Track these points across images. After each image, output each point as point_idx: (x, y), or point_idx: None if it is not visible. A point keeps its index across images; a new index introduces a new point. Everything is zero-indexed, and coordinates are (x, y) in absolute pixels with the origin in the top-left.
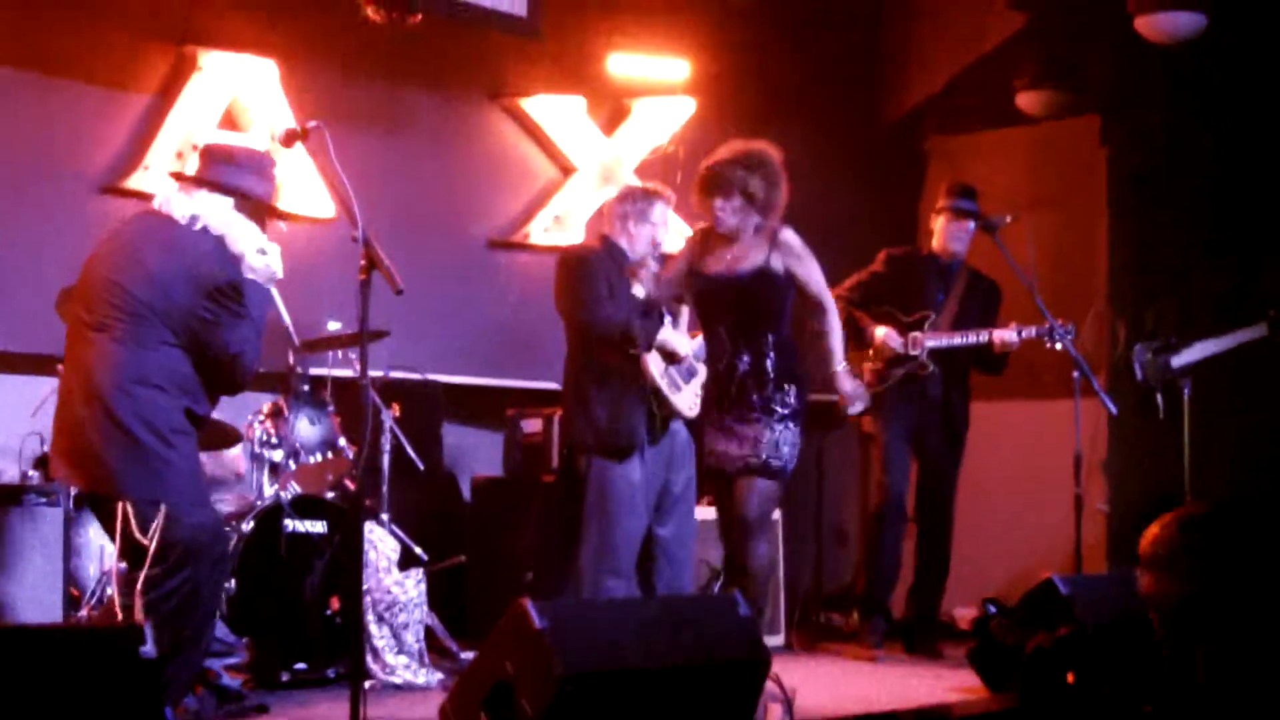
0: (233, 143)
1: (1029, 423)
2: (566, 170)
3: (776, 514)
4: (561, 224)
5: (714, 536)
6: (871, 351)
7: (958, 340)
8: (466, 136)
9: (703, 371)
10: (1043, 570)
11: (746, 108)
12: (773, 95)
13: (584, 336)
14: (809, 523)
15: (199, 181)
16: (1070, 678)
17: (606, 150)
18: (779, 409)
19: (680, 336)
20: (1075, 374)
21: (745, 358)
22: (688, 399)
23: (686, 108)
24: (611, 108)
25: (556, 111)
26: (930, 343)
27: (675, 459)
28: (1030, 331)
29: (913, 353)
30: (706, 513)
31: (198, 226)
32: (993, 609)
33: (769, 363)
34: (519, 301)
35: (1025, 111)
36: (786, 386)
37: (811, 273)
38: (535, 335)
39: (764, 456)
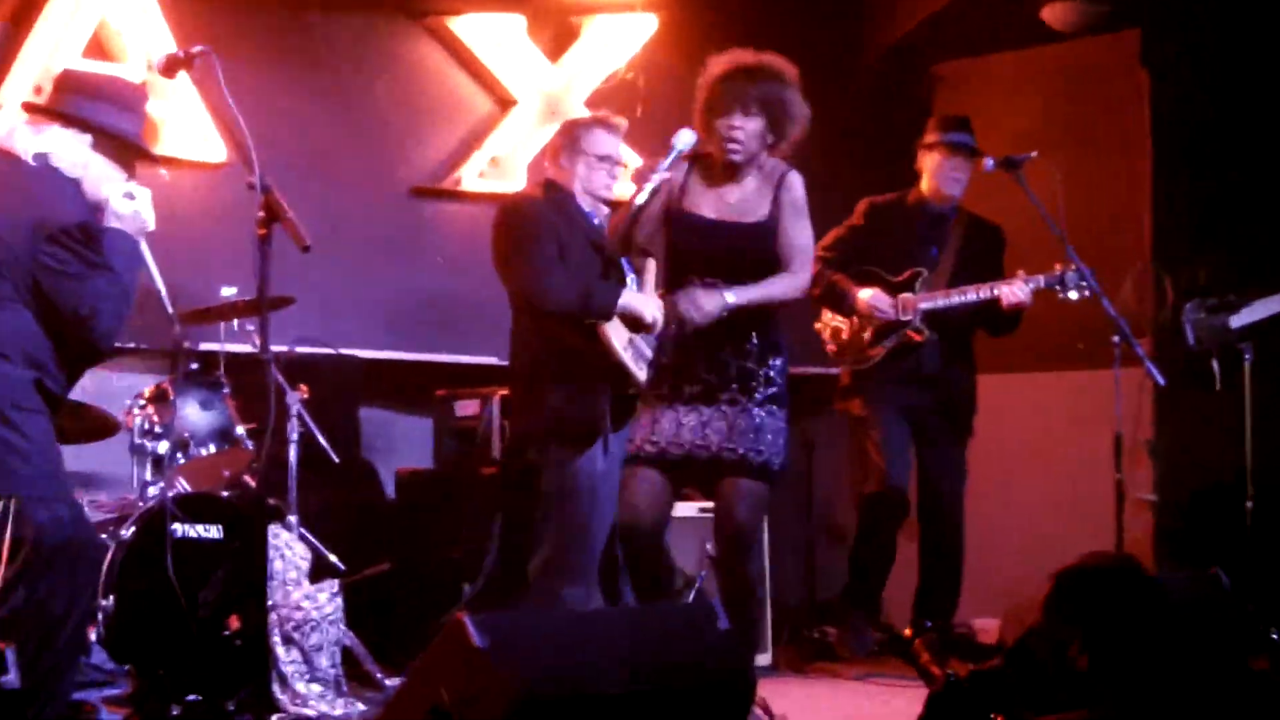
0: (96, 72)
1: (1058, 397)
2: (505, 103)
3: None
4: (500, 167)
5: (689, 536)
6: (856, 320)
7: (956, 300)
8: (384, 65)
9: None
10: None
11: (716, 26)
12: (748, 12)
13: (531, 308)
14: (797, 523)
15: (51, 114)
16: None
17: (552, 78)
18: (761, 388)
19: (647, 299)
20: (1115, 338)
21: (725, 319)
22: None
23: (646, 26)
24: (557, 28)
25: (492, 33)
26: (924, 304)
27: None
28: (1040, 281)
29: (904, 318)
30: (683, 509)
31: (48, 166)
32: (928, 624)
33: (742, 333)
34: (450, 260)
35: (1051, 25)
36: (771, 360)
37: (800, 234)
38: (471, 301)
39: (741, 450)
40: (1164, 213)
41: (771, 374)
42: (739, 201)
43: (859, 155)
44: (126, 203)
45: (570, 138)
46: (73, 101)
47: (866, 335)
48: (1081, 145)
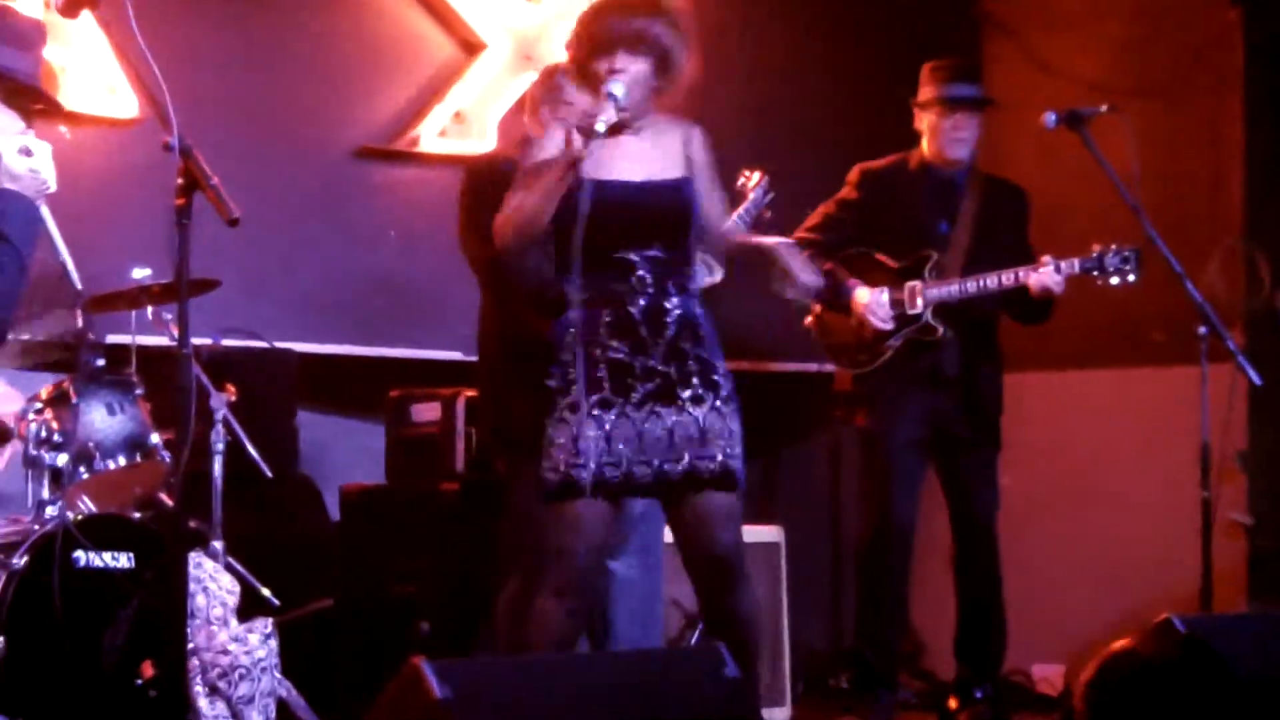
0: None
1: (1132, 400)
2: (471, 47)
3: (774, 536)
4: (464, 123)
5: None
6: (855, 321)
7: (973, 289)
8: (325, 1)
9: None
10: (1158, 608)
11: None
12: None
13: (496, 289)
14: (821, 553)
15: None
16: None
17: (527, 17)
18: (722, 382)
19: None
20: (1201, 329)
21: (675, 300)
22: None
23: None
24: None
25: None
26: (934, 293)
27: None
28: (1074, 265)
29: (912, 311)
30: None
31: None
32: (977, 692)
33: (701, 314)
34: (405, 236)
35: None
36: (718, 351)
37: (716, 205)
38: (430, 285)
39: (720, 458)
40: (1259, 177)
41: (723, 364)
42: (641, 158)
43: (894, 103)
44: (22, 159)
45: (551, 86)
46: None
47: (867, 333)
48: (1159, 96)
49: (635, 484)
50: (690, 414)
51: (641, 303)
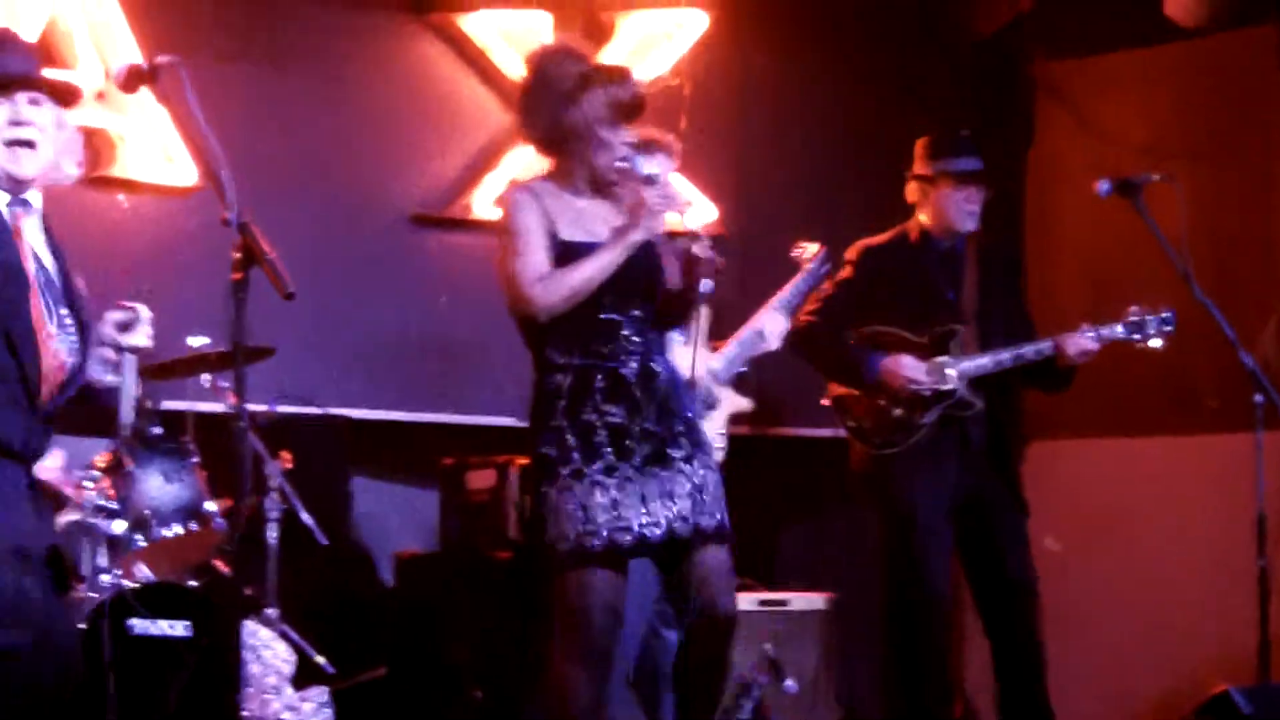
0: None
1: (1184, 468)
2: None
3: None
4: None
5: (745, 633)
6: (883, 397)
7: (1008, 358)
8: (382, 70)
9: (730, 400)
10: (1213, 680)
11: (779, 23)
12: (816, 6)
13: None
14: (869, 621)
15: None
16: None
17: None
18: (706, 440)
19: (687, 351)
20: (1257, 397)
21: (659, 360)
22: None
23: (695, 24)
24: (587, 25)
25: (510, 32)
26: (968, 366)
27: None
28: (1115, 330)
29: (946, 387)
30: (740, 602)
31: None
32: None
33: (679, 375)
34: (458, 301)
35: (1175, 20)
36: (698, 408)
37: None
38: (483, 350)
39: (718, 516)
40: None
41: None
42: (611, 219)
43: None
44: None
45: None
46: None
47: (897, 412)
48: (1209, 159)
49: (648, 545)
50: (685, 472)
51: (633, 365)
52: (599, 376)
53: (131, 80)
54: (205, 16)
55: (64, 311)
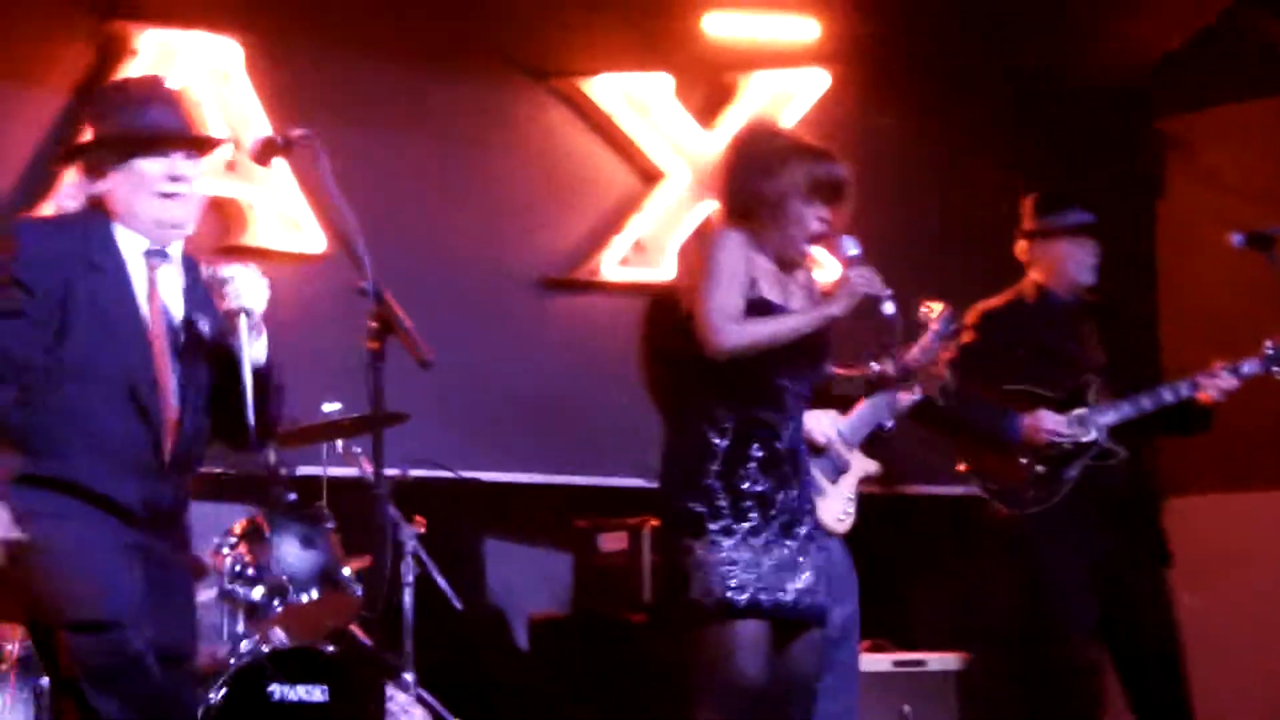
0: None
1: None
2: (650, 176)
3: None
4: (644, 252)
5: (880, 696)
6: (1023, 455)
7: (1149, 403)
8: (507, 135)
9: (859, 464)
10: None
11: (900, 80)
12: (938, 63)
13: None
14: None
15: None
16: None
17: (705, 145)
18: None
19: (821, 414)
20: None
21: (799, 433)
22: (836, 506)
23: (816, 83)
24: (710, 87)
25: (633, 95)
26: (1109, 417)
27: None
28: (1254, 366)
29: (1088, 438)
30: (875, 663)
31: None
32: None
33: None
34: (588, 364)
35: None
36: None
37: None
38: (615, 412)
39: (821, 595)
40: None
41: None
42: (808, 293)
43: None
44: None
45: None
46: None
47: (1039, 469)
48: None
49: (783, 609)
50: (812, 547)
51: (786, 436)
52: (755, 445)
53: (266, 152)
54: (332, 87)
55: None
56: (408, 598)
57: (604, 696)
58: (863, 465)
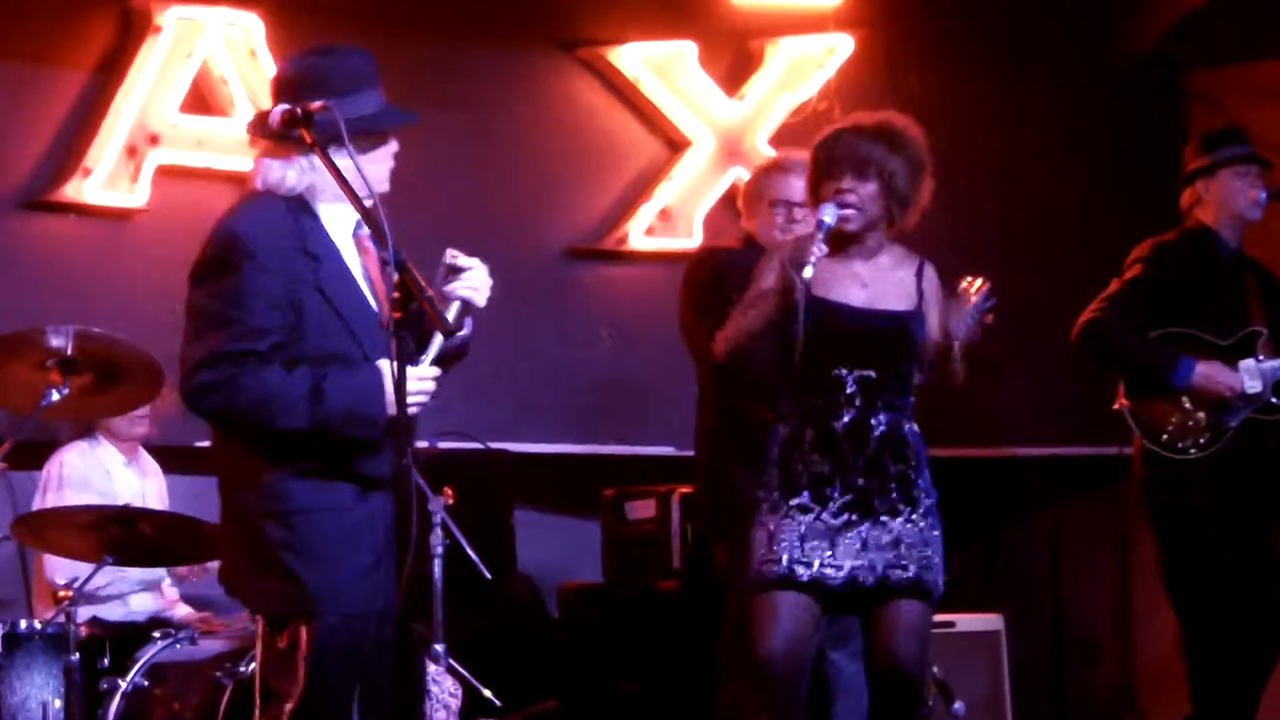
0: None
1: None
2: (676, 144)
3: (995, 624)
4: (670, 220)
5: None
6: (1187, 400)
7: None
8: (532, 105)
9: None
10: None
11: (927, 46)
12: (966, 27)
13: (718, 376)
14: (1043, 641)
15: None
16: None
17: (731, 113)
18: (924, 498)
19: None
20: None
21: (881, 418)
22: None
23: (841, 48)
24: (736, 54)
25: (658, 63)
26: (1275, 369)
27: None
28: None
29: (1251, 390)
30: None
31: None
32: None
33: (909, 431)
34: (616, 333)
35: None
36: (925, 466)
37: (934, 328)
38: (641, 380)
39: (914, 569)
40: None
41: (927, 479)
42: (876, 284)
43: (1101, 176)
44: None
45: (766, 182)
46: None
47: (1202, 415)
48: None
49: (826, 585)
50: (885, 525)
51: (845, 419)
52: (809, 430)
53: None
54: None
55: None
56: (437, 568)
57: (638, 664)
58: None
